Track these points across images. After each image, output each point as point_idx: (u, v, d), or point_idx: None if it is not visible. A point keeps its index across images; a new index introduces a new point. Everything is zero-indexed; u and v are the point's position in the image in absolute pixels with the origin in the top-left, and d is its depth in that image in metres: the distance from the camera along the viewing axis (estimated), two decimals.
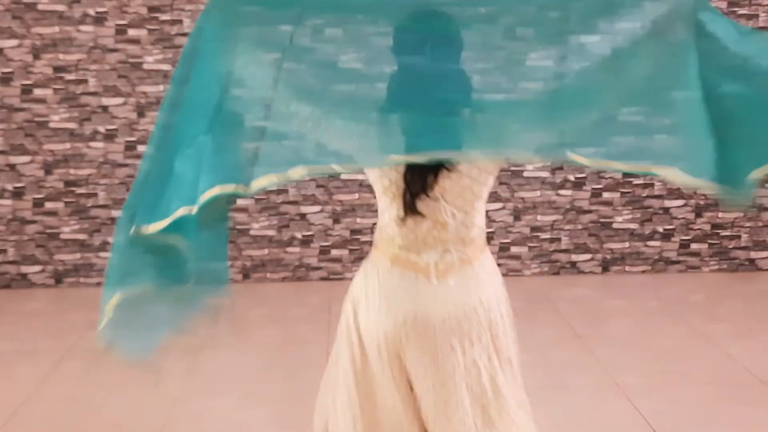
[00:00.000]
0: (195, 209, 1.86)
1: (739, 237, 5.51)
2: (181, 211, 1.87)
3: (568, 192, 5.41)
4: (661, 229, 5.48)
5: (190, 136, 1.97)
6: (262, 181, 1.91)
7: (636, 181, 5.39)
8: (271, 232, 5.34)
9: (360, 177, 5.24)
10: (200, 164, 1.93)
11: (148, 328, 2.01)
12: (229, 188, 1.89)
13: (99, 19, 5.00)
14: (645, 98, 2.05)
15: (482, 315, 2.13)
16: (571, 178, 5.38)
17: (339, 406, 2.18)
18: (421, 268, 2.11)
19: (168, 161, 1.96)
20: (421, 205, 2.02)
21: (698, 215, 5.47)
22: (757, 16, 5.21)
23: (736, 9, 5.19)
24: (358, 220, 5.34)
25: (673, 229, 5.48)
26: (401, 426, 2.13)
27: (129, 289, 1.92)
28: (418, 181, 2.00)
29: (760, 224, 5.51)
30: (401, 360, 2.09)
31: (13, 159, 5.15)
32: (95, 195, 5.22)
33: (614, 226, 5.46)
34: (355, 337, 2.15)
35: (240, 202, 5.27)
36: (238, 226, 5.33)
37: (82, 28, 5.01)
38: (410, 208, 2.03)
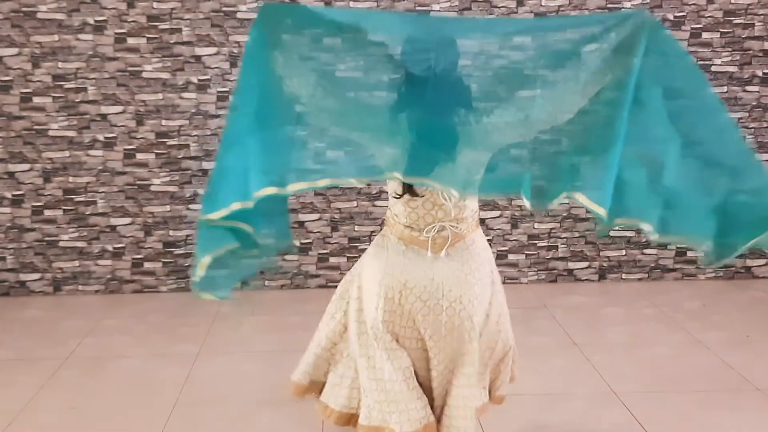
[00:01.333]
0: (251, 204, 2.31)
1: None
2: (236, 205, 2.31)
3: (565, 200, 5.42)
4: None
5: (238, 135, 2.39)
6: (295, 186, 2.39)
7: None
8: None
9: (358, 185, 5.26)
10: (248, 163, 2.36)
11: (228, 278, 2.52)
12: (272, 190, 2.34)
13: (98, 28, 5.02)
14: (587, 128, 2.43)
15: (473, 282, 2.54)
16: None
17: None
18: (422, 242, 2.54)
19: (223, 157, 2.43)
20: (421, 188, 2.45)
21: None
22: (753, 25, 5.25)
23: (732, 18, 5.23)
24: (356, 227, 5.36)
25: None
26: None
27: (213, 252, 2.40)
28: (417, 172, 2.32)
29: None
30: (394, 307, 2.53)
31: (12, 167, 5.17)
32: (94, 203, 5.24)
33: (611, 234, 5.48)
34: (355, 294, 2.67)
35: None
36: None
37: (82, 36, 5.03)
38: (408, 190, 2.48)
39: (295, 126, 2.44)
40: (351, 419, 2.71)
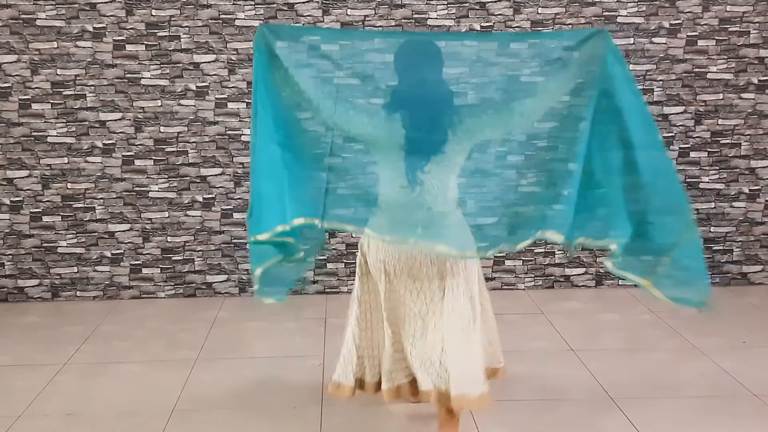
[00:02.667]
0: (288, 227, 2.83)
1: (731, 251, 5.56)
2: (279, 228, 2.82)
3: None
4: None
5: (268, 164, 2.88)
6: (333, 224, 2.97)
7: None
8: None
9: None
10: (283, 189, 2.87)
11: (281, 283, 3.05)
12: (310, 221, 2.88)
13: (97, 35, 5.04)
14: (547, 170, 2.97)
15: (454, 254, 2.93)
16: (565, 193, 5.40)
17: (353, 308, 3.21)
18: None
19: (256, 182, 2.90)
20: (420, 177, 2.87)
21: None
22: (748, 33, 5.28)
23: (727, 26, 5.26)
24: (354, 234, 5.37)
25: None
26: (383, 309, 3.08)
27: (263, 264, 2.90)
28: (416, 164, 2.86)
29: (752, 239, 5.55)
30: (390, 278, 3.02)
31: (11, 173, 5.18)
32: (93, 209, 5.25)
33: None
34: (363, 261, 3.13)
35: (236, 217, 5.30)
36: (235, 241, 5.36)
37: (80, 43, 5.05)
38: (411, 182, 2.87)
39: (320, 157, 2.93)
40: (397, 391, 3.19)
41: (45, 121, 5.13)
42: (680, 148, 5.39)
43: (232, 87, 5.15)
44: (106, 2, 5.01)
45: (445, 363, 2.98)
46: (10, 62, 5.05)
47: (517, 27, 5.16)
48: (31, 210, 5.24)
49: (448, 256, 2.92)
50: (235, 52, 5.11)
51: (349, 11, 5.10)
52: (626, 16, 5.20)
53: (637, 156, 2.83)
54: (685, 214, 2.91)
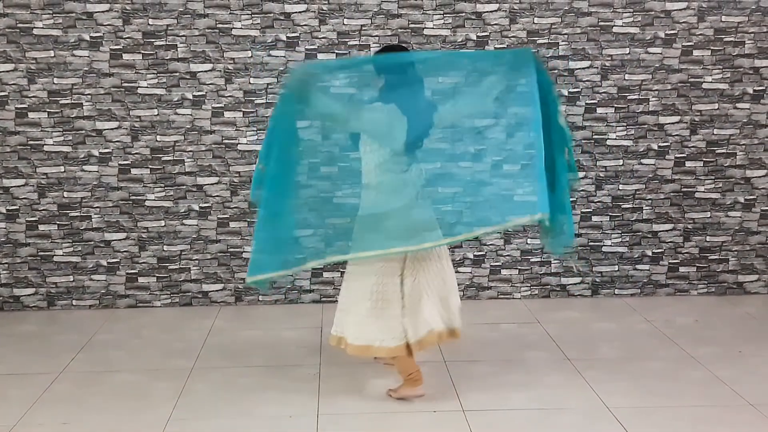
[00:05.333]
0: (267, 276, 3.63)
1: (727, 260, 5.57)
2: (259, 277, 3.61)
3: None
4: (649, 253, 5.53)
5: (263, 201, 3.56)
6: (308, 265, 3.87)
7: (625, 205, 5.44)
8: None
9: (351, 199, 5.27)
10: (267, 244, 3.57)
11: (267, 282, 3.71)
12: (279, 275, 3.73)
13: (94, 44, 5.05)
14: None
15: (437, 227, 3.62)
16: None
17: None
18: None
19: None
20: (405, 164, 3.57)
21: (686, 239, 5.52)
22: (743, 43, 5.30)
23: (722, 36, 5.28)
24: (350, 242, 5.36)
25: (662, 253, 5.53)
26: (391, 280, 3.68)
27: (255, 277, 3.61)
28: (414, 146, 3.52)
29: (748, 248, 5.56)
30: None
31: (7, 182, 5.17)
32: (89, 218, 5.25)
33: (603, 249, 5.50)
34: None
35: (232, 224, 5.30)
36: (231, 250, 5.36)
37: (77, 52, 5.05)
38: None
39: (316, 167, 3.60)
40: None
41: (41, 130, 5.13)
42: (676, 157, 5.41)
43: (229, 96, 5.16)
44: (103, 11, 5.02)
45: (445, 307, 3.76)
46: (7, 71, 5.05)
47: (513, 36, 5.17)
48: (27, 219, 5.23)
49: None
50: (231, 62, 5.12)
51: (345, 21, 5.11)
52: (622, 26, 5.22)
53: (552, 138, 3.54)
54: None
